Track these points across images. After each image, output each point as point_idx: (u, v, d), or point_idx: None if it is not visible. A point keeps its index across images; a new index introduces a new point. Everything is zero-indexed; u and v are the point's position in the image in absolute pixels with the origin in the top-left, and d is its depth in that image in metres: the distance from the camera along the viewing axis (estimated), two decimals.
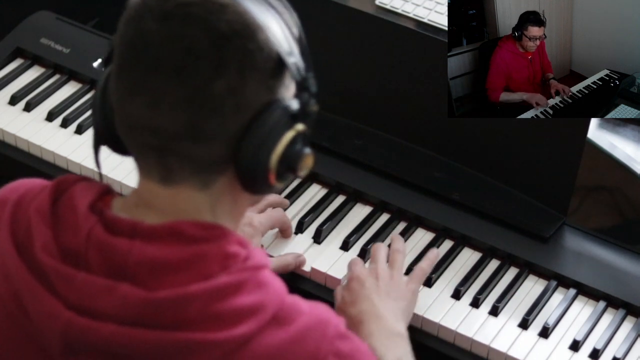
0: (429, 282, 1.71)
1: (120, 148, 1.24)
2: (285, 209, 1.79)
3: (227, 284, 1.16)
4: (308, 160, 1.22)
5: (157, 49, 1.14)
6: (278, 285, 1.20)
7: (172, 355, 1.15)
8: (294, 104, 1.19)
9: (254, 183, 1.20)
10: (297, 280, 1.73)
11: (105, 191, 1.24)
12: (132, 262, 1.16)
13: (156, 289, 1.15)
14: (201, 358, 1.15)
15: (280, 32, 1.19)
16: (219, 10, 1.14)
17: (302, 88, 1.20)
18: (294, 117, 1.19)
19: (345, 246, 1.76)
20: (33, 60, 2.07)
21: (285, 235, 1.77)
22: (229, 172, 1.19)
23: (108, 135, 1.23)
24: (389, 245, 1.67)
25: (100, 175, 1.32)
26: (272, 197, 1.77)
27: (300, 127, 1.20)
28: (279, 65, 1.17)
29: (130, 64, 1.16)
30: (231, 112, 1.15)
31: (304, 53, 1.21)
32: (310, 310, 1.21)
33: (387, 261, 1.63)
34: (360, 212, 1.82)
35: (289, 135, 1.18)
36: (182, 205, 1.20)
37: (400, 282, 1.60)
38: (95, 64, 2.02)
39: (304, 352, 1.17)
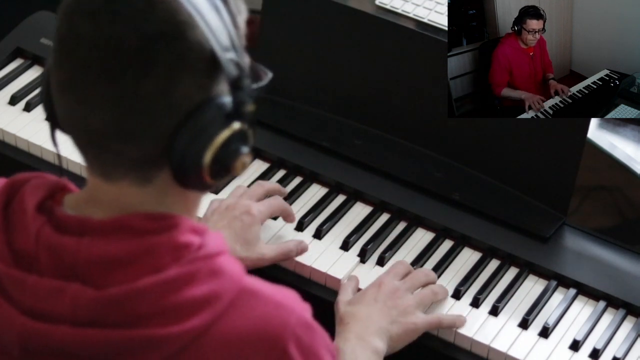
0: None
1: None
2: (283, 197, 1.78)
3: (179, 276, 1.14)
4: (244, 160, 1.18)
5: (86, 48, 1.12)
6: (235, 271, 1.18)
7: (127, 352, 1.14)
8: (229, 103, 1.15)
9: (188, 182, 1.17)
10: (297, 280, 1.73)
11: (58, 187, 1.22)
12: (82, 260, 1.15)
13: (106, 286, 1.14)
14: (157, 353, 1.13)
15: (219, 25, 1.14)
16: (148, 8, 1.11)
17: (236, 87, 1.16)
18: (229, 116, 1.15)
19: (345, 246, 1.76)
20: (33, 60, 2.07)
21: (289, 221, 1.76)
22: (168, 167, 1.16)
23: (55, 120, 1.21)
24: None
25: (59, 157, 1.30)
26: (269, 185, 1.76)
27: (237, 126, 1.16)
28: (213, 63, 1.14)
29: (62, 61, 1.14)
30: (161, 113, 1.13)
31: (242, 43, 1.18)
32: (272, 295, 1.18)
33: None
34: (360, 212, 1.82)
35: (223, 135, 1.15)
36: (127, 200, 1.18)
37: (412, 314, 1.60)
38: None
39: (264, 339, 1.15)
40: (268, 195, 1.75)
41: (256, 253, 1.65)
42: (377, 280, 1.63)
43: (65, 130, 1.19)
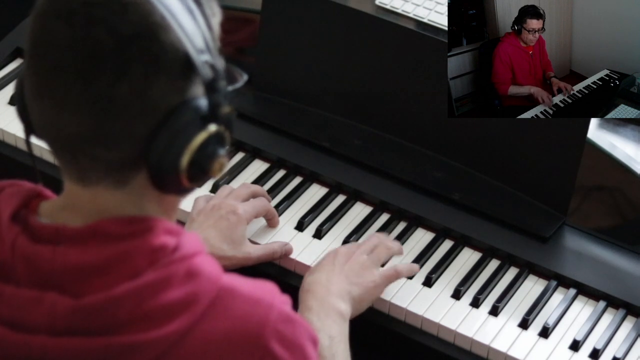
0: (429, 282, 1.71)
1: None
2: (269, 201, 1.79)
3: (154, 281, 1.14)
4: (221, 162, 1.18)
5: (60, 51, 1.11)
6: (212, 271, 1.18)
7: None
8: (204, 106, 1.15)
9: (165, 185, 1.17)
10: (297, 280, 1.72)
11: (33, 195, 1.22)
12: (58, 269, 1.14)
13: (83, 294, 1.13)
14: (138, 359, 1.13)
15: (194, 27, 1.14)
16: (122, 11, 1.11)
17: (211, 89, 1.15)
18: (205, 119, 1.15)
19: None
20: None
21: (272, 224, 1.77)
22: (144, 170, 1.16)
23: (30, 125, 1.21)
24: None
25: (32, 156, 1.30)
26: (254, 187, 1.76)
27: (213, 128, 1.15)
28: (188, 65, 1.13)
29: (36, 64, 1.13)
30: (137, 115, 1.12)
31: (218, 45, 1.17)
32: (251, 292, 1.18)
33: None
34: (360, 212, 1.82)
35: (200, 138, 1.14)
36: (103, 204, 1.17)
37: (368, 271, 1.61)
38: None
39: (245, 339, 1.15)
40: (253, 196, 1.75)
41: (242, 252, 1.65)
42: (333, 250, 1.64)
43: (40, 135, 1.18)
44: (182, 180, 1.15)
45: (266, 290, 1.20)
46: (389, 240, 1.70)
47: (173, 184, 1.16)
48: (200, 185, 1.20)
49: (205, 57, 1.14)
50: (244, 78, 1.19)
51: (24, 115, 1.21)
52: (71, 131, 1.13)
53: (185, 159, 1.14)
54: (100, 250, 1.15)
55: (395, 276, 1.65)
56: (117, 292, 1.13)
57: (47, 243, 1.16)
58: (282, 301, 1.20)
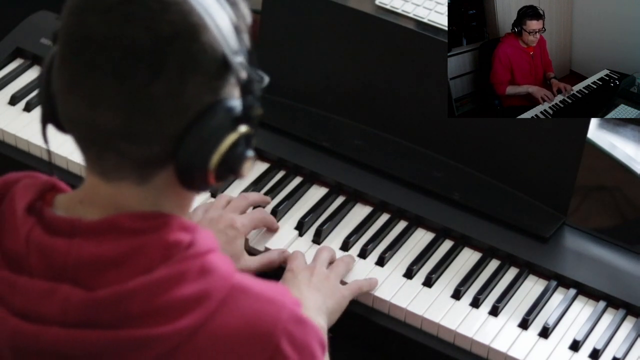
0: (429, 282, 1.71)
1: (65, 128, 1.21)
2: (267, 204, 1.79)
3: (168, 276, 1.14)
4: (249, 163, 1.19)
5: (97, 48, 1.11)
6: (225, 269, 1.18)
7: (118, 353, 1.14)
8: (238, 106, 1.16)
9: (192, 183, 1.18)
10: None
11: (48, 188, 1.22)
12: (72, 261, 1.15)
13: (97, 287, 1.14)
14: (149, 353, 1.14)
15: (229, 28, 1.15)
16: (162, 9, 1.11)
17: (246, 90, 1.17)
18: (237, 120, 1.16)
19: (345, 246, 1.76)
20: (33, 60, 2.07)
21: (271, 231, 1.76)
22: (170, 166, 1.17)
23: (53, 117, 1.21)
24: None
25: (49, 152, 1.30)
26: (253, 197, 1.76)
27: (243, 129, 1.17)
28: (223, 65, 1.14)
29: (71, 60, 1.13)
30: (170, 114, 1.13)
31: (251, 47, 1.18)
32: (263, 291, 1.19)
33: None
34: (360, 212, 1.82)
35: (231, 138, 1.16)
36: (123, 200, 1.18)
37: (334, 283, 1.62)
38: None
39: (256, 336, 1.16)
40: (252, 206, 1.75)
41: (241, 266, 1.65)
42: (288, 268, 1.63)
43: (68, 128, 1.19)
44: (210, 179, 1.17)
45: (278, 291, 1.20)
46: (342, 257, 1.70)
47: (200, 182, 1.18)
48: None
49: (240, 58, 1.15)
50: (265, 80, 1.20)
51: (48, 108, 1.21)
52: (102, 127, 1.13)
53: (215, 159, 1.15)
54: (115, 244, 1.15)
55: (357, 290, 1.65)
56: (130, 286, 1.14)
57: (62, 236, 1.16)
58: (294, 302, 1.21)
